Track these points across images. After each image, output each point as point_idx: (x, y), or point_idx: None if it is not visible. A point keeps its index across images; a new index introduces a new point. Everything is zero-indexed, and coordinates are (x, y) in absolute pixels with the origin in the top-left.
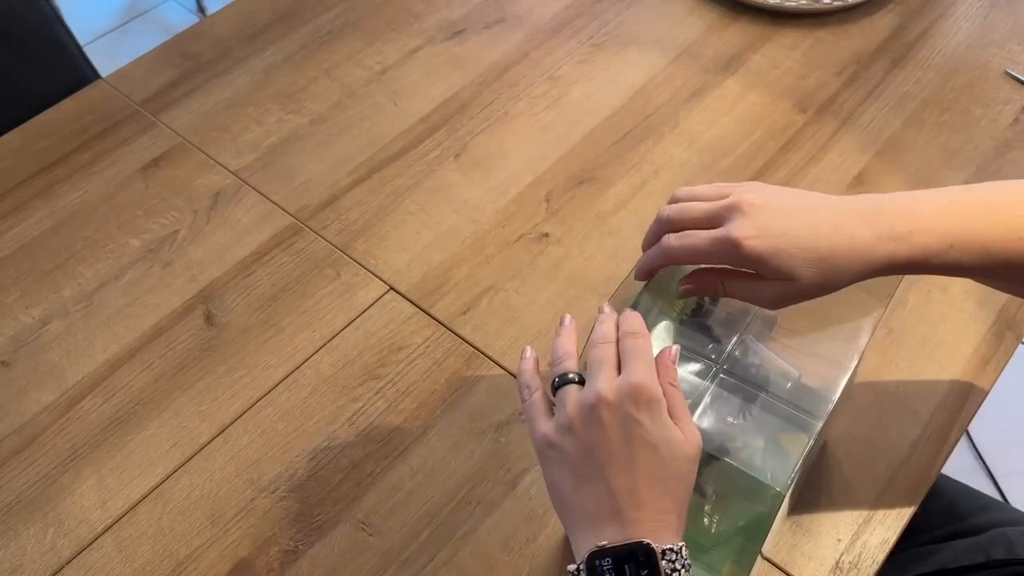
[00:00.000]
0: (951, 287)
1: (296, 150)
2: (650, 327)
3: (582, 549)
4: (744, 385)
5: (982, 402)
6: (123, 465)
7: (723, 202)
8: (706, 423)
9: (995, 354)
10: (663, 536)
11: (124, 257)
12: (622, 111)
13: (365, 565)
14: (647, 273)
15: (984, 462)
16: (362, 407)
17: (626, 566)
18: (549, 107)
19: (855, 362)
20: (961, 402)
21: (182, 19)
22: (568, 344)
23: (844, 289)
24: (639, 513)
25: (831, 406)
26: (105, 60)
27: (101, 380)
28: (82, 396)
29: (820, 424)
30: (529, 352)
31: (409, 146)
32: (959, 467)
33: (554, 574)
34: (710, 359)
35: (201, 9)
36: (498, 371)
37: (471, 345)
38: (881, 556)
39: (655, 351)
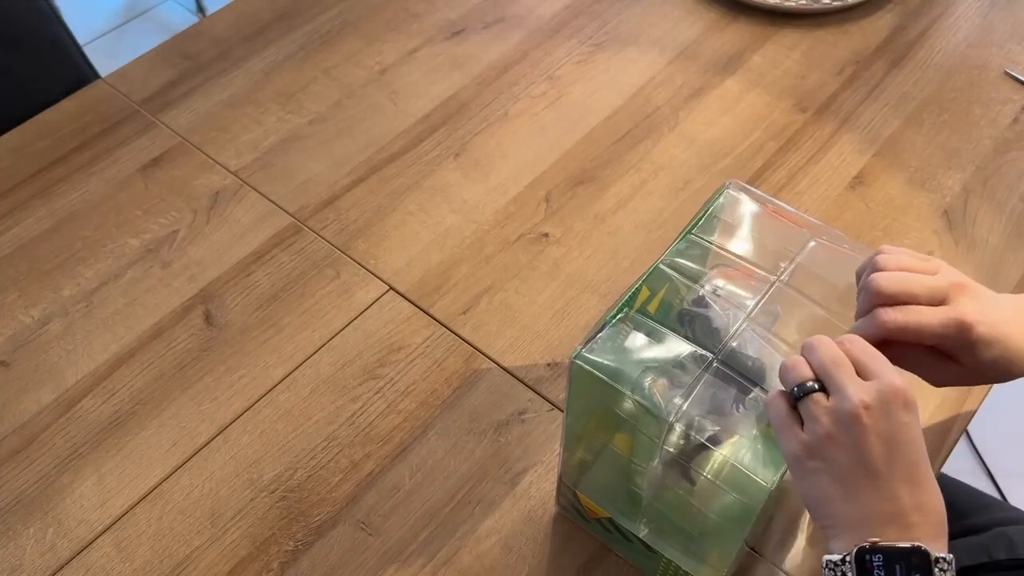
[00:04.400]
0: None
1: (296, 150)
2: (651, 315)
3: (851, 546)
4: (739, 378)
5: (982, 402)
6: (123, 465)
7: (946, 279)
8: (699, 411)
9: None
10: (937, 544)
11: (124, 257)
12: (622, 111)
13: (365, 565)
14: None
15: (984, 462)
16: (362, 407)
17: (897, 566)
18: (549, 107)
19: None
20: (961, 402)
21: (182, 19)
22: (798, 358)
23: (845, 288)
24: (922, 517)
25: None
26: (105, 60)
27: (101, 380)
28: (82, 396)
29: None
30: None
31: (409, 146)
32: (959, 467)
33: (553, 574)
34: (708, 349)
35: (201, 9)
36: (498, 371)
37: (471, 345)
38: None
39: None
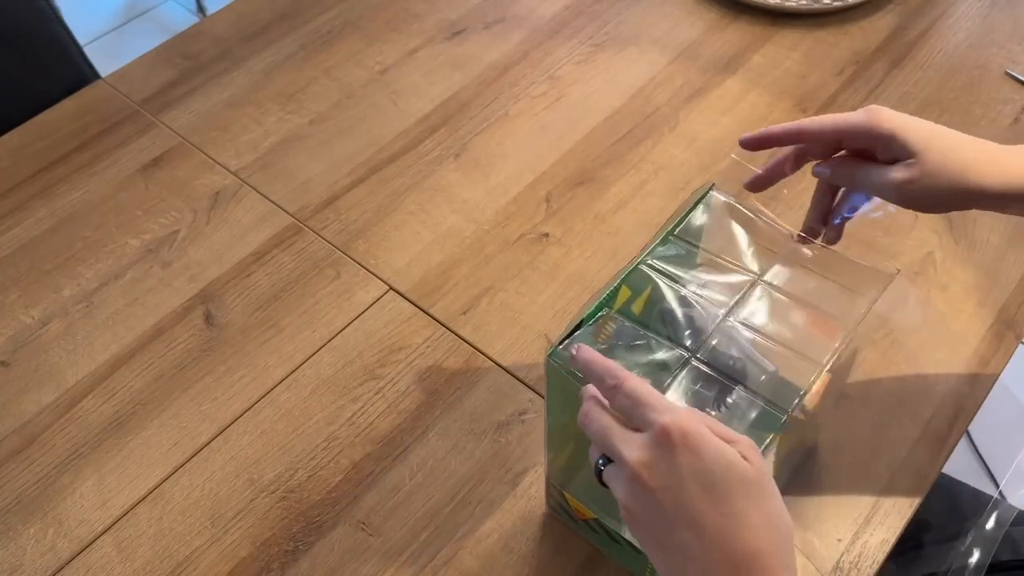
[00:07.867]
0: (951, 287)
1: (296, 150)
2: (634, 315)
3: None
4: (720, 377)
5: (982, 402)
6: (123, 465)
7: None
8: None
9: (995, 354)
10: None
11: (124, 257)
12: (622, 111)
13: (365, 565)
14: (757, 144)
15: (984, 462)
16: (362, 407)
17: None
18: (549, 107)
19: (830, 358)
20: (961, 402)
21: (182, 19)
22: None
23: (832, 287)
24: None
25: (796, 400)
26: (105, 60)
27: (101, 380)
28: (82, 396)
29: (784, 418)
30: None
31: (409, 146)
32: (959, 467)
33: (554, 574)
34: (688, 348)
35: (201, 9)
36: (498, 371)
37: (471, 345)
38: (881, 556)
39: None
